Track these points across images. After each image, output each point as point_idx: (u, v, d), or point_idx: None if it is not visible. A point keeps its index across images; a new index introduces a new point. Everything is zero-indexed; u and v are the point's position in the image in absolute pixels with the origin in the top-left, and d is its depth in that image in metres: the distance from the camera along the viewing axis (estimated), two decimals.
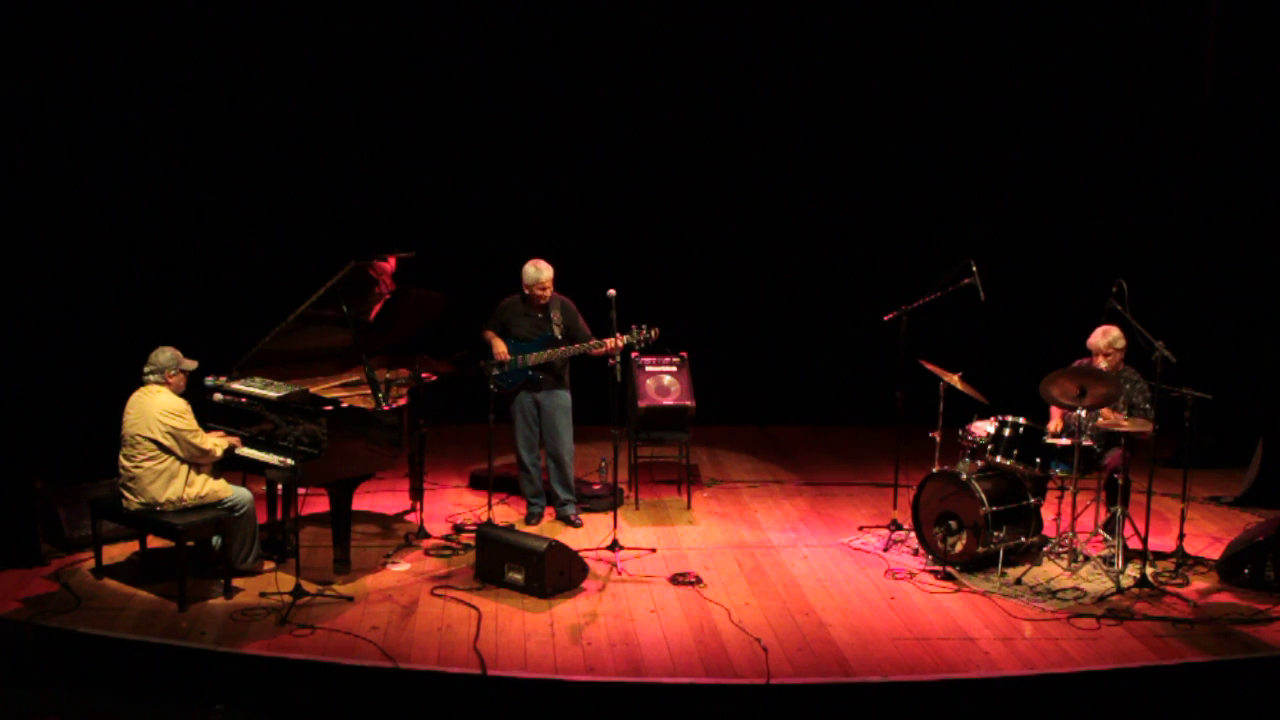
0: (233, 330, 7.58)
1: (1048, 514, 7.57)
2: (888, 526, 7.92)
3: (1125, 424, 7.13)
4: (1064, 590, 6.95)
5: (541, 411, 7.96)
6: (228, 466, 7.01)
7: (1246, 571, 7.06)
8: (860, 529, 8.11)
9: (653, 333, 7.70)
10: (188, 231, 9.49)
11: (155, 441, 6.59)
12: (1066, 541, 7.33)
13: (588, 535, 7.83)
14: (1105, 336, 7.43)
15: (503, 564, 6.89)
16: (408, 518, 8.14)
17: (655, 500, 8.71)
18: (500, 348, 7.86)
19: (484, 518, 7.81)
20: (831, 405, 10.87)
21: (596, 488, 8.56)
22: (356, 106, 10.00)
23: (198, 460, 6.74)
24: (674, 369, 8.65)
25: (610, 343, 7.53)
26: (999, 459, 7.31)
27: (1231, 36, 9.62)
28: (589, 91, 10.31)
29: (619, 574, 7.20)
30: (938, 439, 7.66)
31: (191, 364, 6.81)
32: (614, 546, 7.43)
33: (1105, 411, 7.21)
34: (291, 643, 6.13)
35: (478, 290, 8.29)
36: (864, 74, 10.48)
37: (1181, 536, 7.46)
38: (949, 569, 7.16)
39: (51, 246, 8.40)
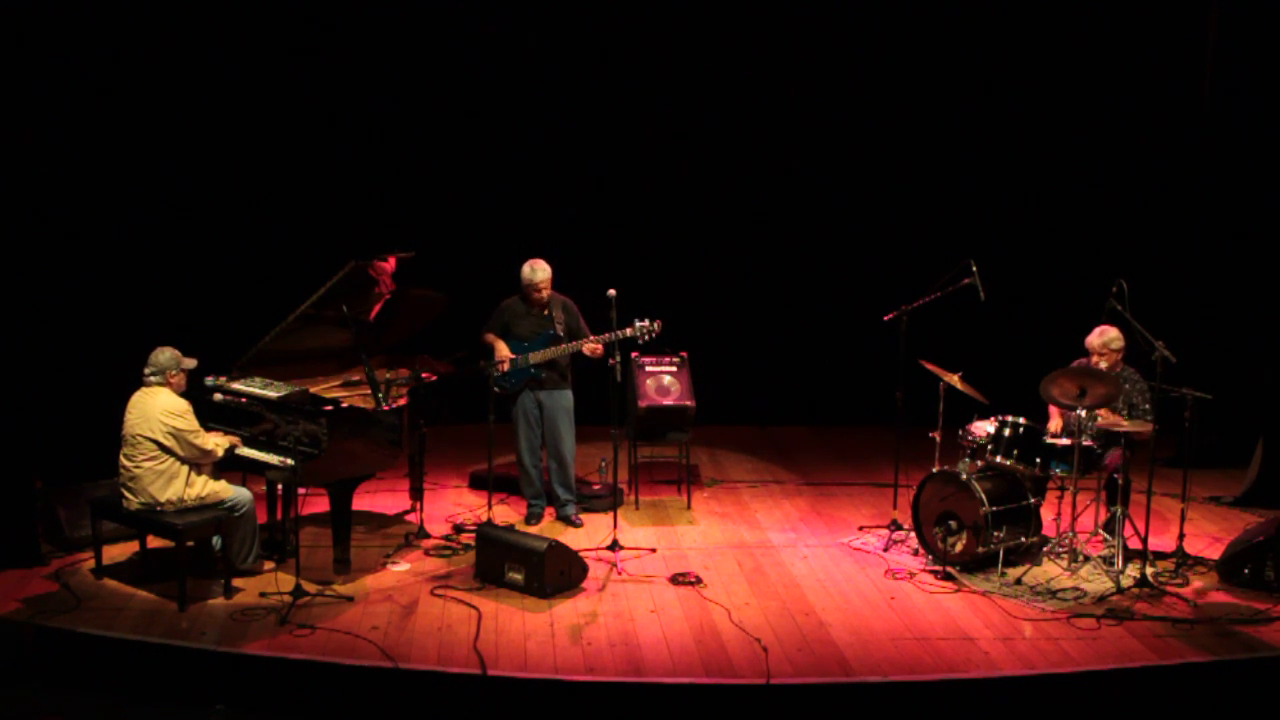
0: (233, 330, 7.59)
1: (1048, 514, 7.57)
2: (888, 526, 7.92)
3: (1125, 424, 7.13)
4: (1064, 590, 6.94)
5: (544, 412, 7.96)
6: (228, 466, 7.01)
7: (1246, 571, 7.06)
8: (860, 529, 8.11)
9: (656, 325, 7.61)
10: (188, 231, 9.49)
11: (156, 442, 6.59)
12: (1066, 541, 7.32)
13: (588, 535, 7.83)
14: (1101, 337, 7.43)
15: (503, 564, 6.89)
16: (408, 518, 8.14)
17: (655, 500, 8.70)
18: (503, 349, 7.85)
19: (484, 518, 7.80)
20: (831, 405, 10.86)
21: (596, 488, 8.55)
22: (357, 106, 9.99)
23: (198, 460, 6.74)
24: (674, 369, 8.65)
25: (610, 336, 7.45)
26: (999, 459, 7.31)
27: (1231, 36, 9.61)
28: (589, 91, 10.30)
29: (619, 574, 7.20)
30: (938, 439, 7.65)
31: (191, 362, 6.81)
32: (614, 546, 7.42)
33: (1103, 412, 7.21)
34: (291, 643, 6.13)
35: (478, 290, 8.28)
36: (864, 73, 10.48)
37: (1181, 536, 7.45)
38: (949, 569, 7.16)
39: (52, 246, 8.40)
